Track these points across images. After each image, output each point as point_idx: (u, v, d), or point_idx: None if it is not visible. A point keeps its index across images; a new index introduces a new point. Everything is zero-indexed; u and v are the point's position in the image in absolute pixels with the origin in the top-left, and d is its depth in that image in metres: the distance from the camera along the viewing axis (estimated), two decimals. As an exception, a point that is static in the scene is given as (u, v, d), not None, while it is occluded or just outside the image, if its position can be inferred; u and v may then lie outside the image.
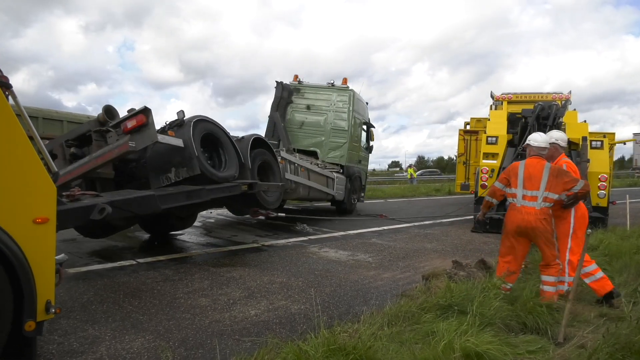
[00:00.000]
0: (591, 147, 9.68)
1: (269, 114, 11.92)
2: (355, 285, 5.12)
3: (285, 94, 11.81)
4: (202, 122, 6.04)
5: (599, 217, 9.07)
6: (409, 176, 32.59)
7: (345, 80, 11.94)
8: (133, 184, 5.92)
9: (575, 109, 11.42)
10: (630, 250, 6.35)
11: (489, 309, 3.57)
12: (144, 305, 4.17)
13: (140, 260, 5.89)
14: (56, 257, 2.67)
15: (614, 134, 11.92)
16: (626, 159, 54.28)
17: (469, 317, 3.34)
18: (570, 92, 11.65)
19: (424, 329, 3.34)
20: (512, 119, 10.89)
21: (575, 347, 3.32)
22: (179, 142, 5.54)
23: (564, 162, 4.78)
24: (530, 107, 10.39)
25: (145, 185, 5.71)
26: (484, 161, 9.96)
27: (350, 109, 11.76)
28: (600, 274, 4.52)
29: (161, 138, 5.24)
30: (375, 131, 13.81)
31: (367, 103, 13.23)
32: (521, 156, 9.64)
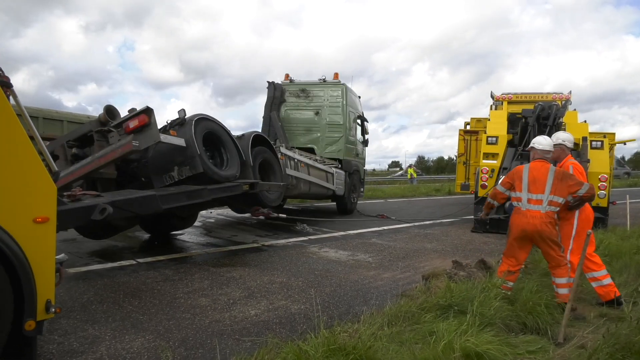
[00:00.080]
0: (591, 148, 9.67)
1: (262, 115, 11.92)
2: (355, 285, 5.12)
3: (278, 94, 11.83)
4: (203, 121, 6.05)
5: (599, 217, 9.05)
6: (409, 176, 32.57)
7: (336, 75, 11.94)
8: (134, 184, 5.92)
9: (575, 109, 11.44)
10: (630, 250, 6.36)
11: (489, 309, 3.57)
12: (144, 305, 4.18)
13: (140, 260, 5.89)
14: (56, 257, 2.67)
15: (614, 134, 11.95)
16: (626, 159, 54.35)
17: (469, 317, 3.34)
18: (570, 92, 11.65)
19: (424, 329, 3.34)
20: (512, 119, 10.89)
21: (575, 347, 3.32)
22: (181, 142, 5.54)
23: (571, 163, 4.75)
24: (531, 107, 10.39)
25: (147, 185, 5.70)
26: (484, 161, 9.96)
27: (344, 102, 11.79)
28: (608, 280, 4.49)
29: (163, 138, 5.24)
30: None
31: (359, 97, 13.23)
32: (521, 156, 9.65)
